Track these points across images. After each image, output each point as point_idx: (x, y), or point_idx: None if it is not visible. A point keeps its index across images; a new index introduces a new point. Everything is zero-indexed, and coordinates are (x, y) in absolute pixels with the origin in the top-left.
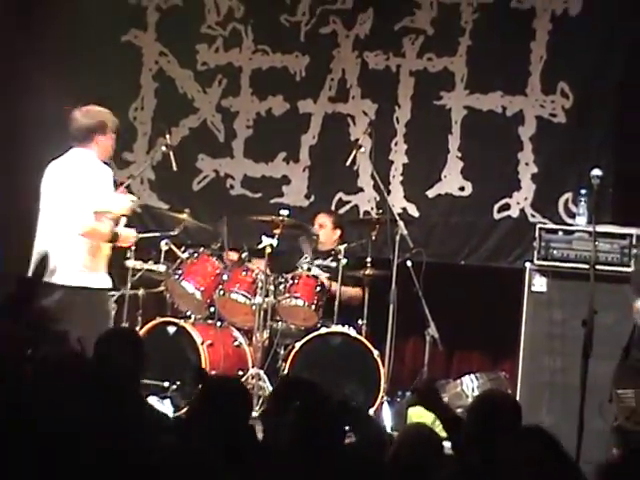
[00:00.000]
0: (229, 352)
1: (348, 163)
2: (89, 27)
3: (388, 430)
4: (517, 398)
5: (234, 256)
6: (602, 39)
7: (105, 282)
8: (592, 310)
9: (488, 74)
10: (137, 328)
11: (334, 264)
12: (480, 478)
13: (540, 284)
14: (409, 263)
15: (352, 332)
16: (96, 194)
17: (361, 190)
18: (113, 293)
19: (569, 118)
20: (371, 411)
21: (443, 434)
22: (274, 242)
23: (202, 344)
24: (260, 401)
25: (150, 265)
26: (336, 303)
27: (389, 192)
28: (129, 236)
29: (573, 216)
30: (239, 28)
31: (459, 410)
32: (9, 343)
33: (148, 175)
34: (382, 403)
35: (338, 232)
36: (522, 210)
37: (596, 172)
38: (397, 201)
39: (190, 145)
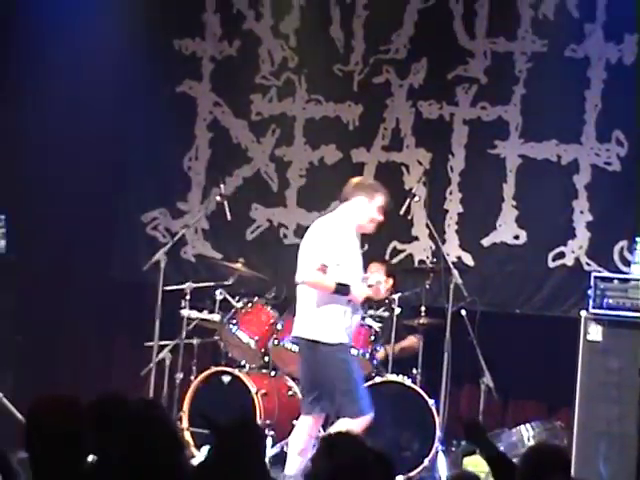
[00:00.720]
0: (284, 402)
1: (402, 212)
2: (144, 78)
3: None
4: (573, 448)
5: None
6: None
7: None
8: None
9: (542, 123)
10: (192, 377)
11: (387, 313)
12: None
13: (596, 332)
14: (463, 312)
15: (407, 381)
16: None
17: (416, 239)
18: (168, 342)
19: (624, 166)
20: (426, 461)
21: None
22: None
23: (256, 393)
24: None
25: (205, 314)
26: (390, 352)
27: (444, 241)
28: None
29: (629, 264)
30: (293, 78)
31: (515, 460)
32: None
33: (202, 225)
34: (437, 452)
35: (390, 281)
36: (577, 259)
37: None
38: (452, 250)
39: (244, 195)
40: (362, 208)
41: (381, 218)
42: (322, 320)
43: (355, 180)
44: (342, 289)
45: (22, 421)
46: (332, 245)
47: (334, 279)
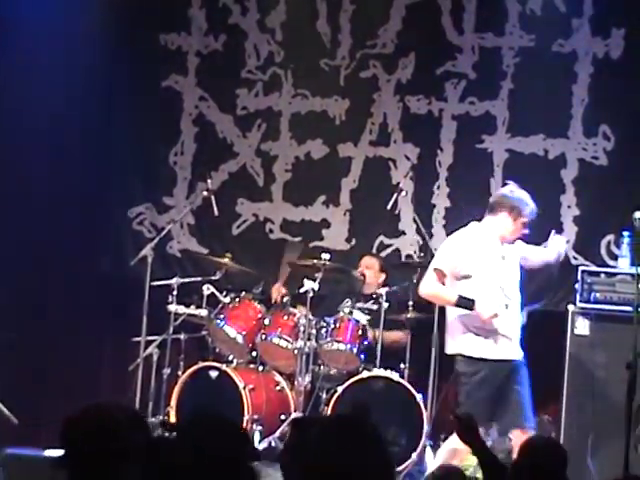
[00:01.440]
0: (271, 396)
1: (389, 207)
2: (129, 73)
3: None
4: (561, 441)
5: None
6: None
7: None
8: (636, 353)
9: (530, 117)
10: (179, 373)
11: (376, 307)
12: None
13: (583, 327)
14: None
15: (394, 376)
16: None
17: (403, 233)
18: (155, 338)
19: (610, 160)
20: (414, 455)
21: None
22: (315, 286)
23: (244, 388)
24: None
25: (192, 310)
26: (378, 347)
27: (431, 236)
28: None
29: (616, 258)
30: (279, 72)
31: (501, 456)
32: None
33: (188, 220)
34: (425, 447)
35: (383, 276)
36: (562, 254)
37: (638, 214)
38: (439, 244)
39: (229, 189)
40: (506, 226)
41: (526, 231)
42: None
43: (503, 192)
44: (465, 303)
45: (12, 419)
46: (458, 254)
47: (458, 291)
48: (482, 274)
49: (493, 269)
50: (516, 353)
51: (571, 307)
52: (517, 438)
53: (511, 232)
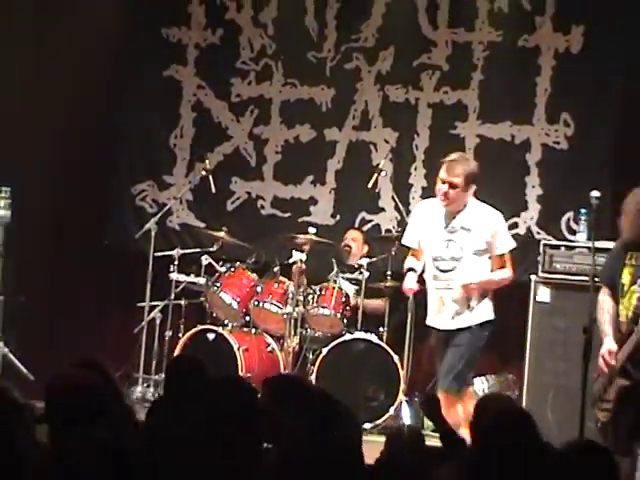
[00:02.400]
0: (263, 357)
1: (370, 186)
2: (134, 62)
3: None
4: (524, 398)
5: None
6: (601, 73)
7: None
8: (592, 318)
9: (498, 106)
10: (180, 335)
11: (360, 277)
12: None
13: (544, 294)
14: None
15: (374, 339)
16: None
17: (382, 210)
18: (158, 303)
19: (571, 145)
20: (391, 410)
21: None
22: (303, 257)
23: (238, 349)
24: None
25: (191, 278)
26: (359, 312)
27: (408, 212)
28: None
29: (574, 233)
30: (270, 63)
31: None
32: None
33: (187, 196)
34: (401, 403)
35: (366, 248)
36: (528, 228)
37: (595, 193)
38: None
39: (224, 169)
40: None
41: (438, 188)
42: None
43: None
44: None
45: (27, 375)
46: (409, 226)
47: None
48: (423, 244)
49: (430, 240)
50: (444, 324)
51: (534, 277)
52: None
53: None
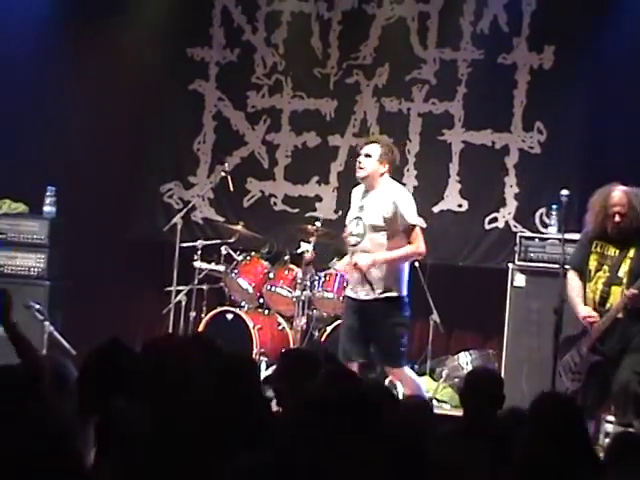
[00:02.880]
0: (275, 334)
1: None
2: (164, 78)
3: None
4: (502, 370)
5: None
6: (570, 87)
7: None
8: (561, 300)
9: (480, 115)
10: (202, 315)
11: None
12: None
13: (520, 280)
14: (417, 264)
15: None
16: None
17: None
18: (183, 288)
19: (543, 150)
20: (387, 380)
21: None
22: (310, 247)
23: (253, 328)
24: None
25: (212, 266)
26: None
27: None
28: None
29: (546, 226)
30: (281, 79)
31: (456, 380)
32: None
33: (208, 194)
34: None
35: None
36: (507, 222)
37: (564, 192)
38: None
39: (241, 171)
40: None
41: (359, 158)
42: None
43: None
44: None
45: (70, 350)
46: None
47: None
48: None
49: (348, 219)
50: (355, 294)
51: (511, 265)
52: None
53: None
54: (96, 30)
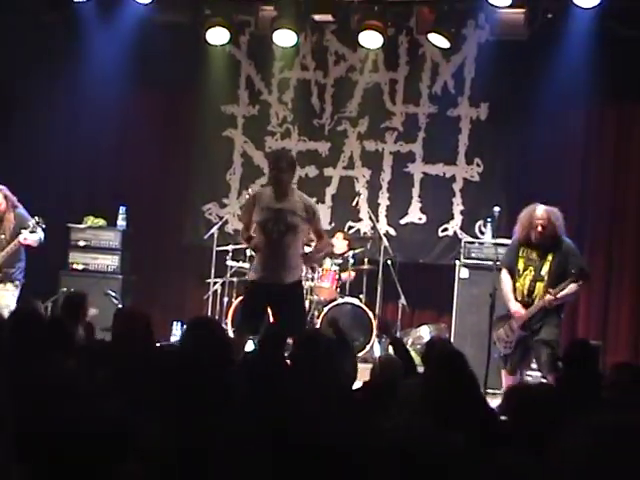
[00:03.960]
0: None
1: (354, 204)
2: (203, 127)
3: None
4: (452, 338)
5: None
6: (500, 133)
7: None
8: (494, 288)
9: (435, 153)
10: (233, 300)
11: (342, 262)
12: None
13: (464, 273)
14: (389, 262)
15: (356, 302)
16: None
17: (361, 220)
18: (219, 280)
19: (481, 178)
20: (367, 347)
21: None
22: (311, 249)
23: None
24: None
25: (240, 264)
26: (347, 286)
27: (378, 221)
28: None
29: (483, 234)
30: (289, 127)
31: (419, 346)
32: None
33: (237, 212)
34: (373, 342)
35: (346, 242)
36: (455, 231)
37: (496, 209)
38: (383, 226)
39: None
40: None
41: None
42: None
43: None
44: None
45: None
46: None
47: None
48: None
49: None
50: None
51: (457, 262)
52: None
53: None
54: (169, 99)
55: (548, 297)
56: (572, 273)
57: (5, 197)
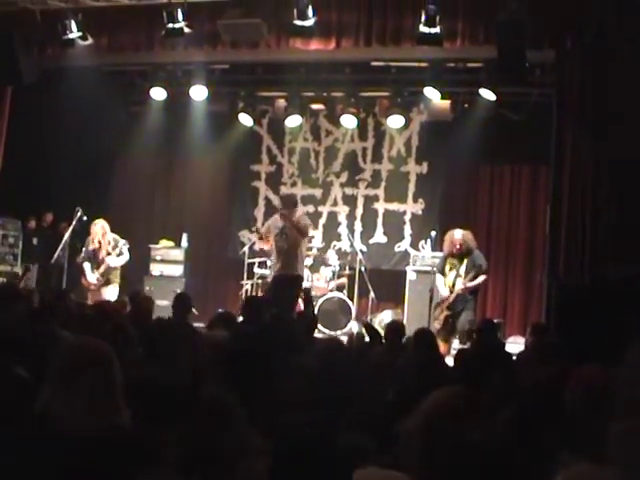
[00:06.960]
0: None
1: (338, 230)
2: (238, 181)
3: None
4: (405, 320)
5: None
6: (436, 182)
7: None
8: (432, 286)
9: (392, 196)
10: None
11: (333, 269)
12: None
13: (413, 276)
14: (362, 269)
15: (342, 295)
16: None
17: (342, 240)
18: (249, 282)
19: (422, 213)
20: (348, 326)
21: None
22: (311, 260)
23: None
24: None
25: (263, 270)
26: (334, 285)
27: (354, 241)
28: None
29: (424, 249)
30: (296, 180)
31: (383, 324)
32: None
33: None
34: (352, 324)
35: (337, 257)
36: (406, 249)
37: (433, 233)
38: (357, 245)
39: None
40: None
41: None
42: None
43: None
44: None
45: (195, 312)
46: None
47: None
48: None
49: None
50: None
51: (408, 267)
52: None
53: None
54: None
55: (462, 287)
56: (478, 269)
57: (102, 226)
